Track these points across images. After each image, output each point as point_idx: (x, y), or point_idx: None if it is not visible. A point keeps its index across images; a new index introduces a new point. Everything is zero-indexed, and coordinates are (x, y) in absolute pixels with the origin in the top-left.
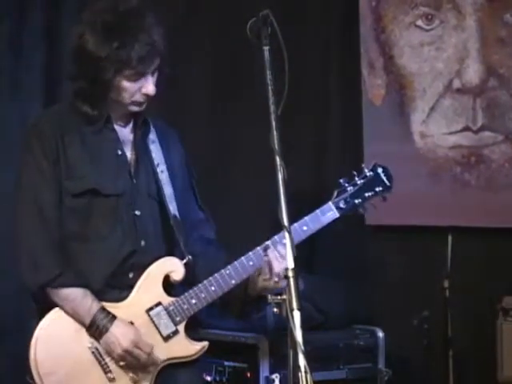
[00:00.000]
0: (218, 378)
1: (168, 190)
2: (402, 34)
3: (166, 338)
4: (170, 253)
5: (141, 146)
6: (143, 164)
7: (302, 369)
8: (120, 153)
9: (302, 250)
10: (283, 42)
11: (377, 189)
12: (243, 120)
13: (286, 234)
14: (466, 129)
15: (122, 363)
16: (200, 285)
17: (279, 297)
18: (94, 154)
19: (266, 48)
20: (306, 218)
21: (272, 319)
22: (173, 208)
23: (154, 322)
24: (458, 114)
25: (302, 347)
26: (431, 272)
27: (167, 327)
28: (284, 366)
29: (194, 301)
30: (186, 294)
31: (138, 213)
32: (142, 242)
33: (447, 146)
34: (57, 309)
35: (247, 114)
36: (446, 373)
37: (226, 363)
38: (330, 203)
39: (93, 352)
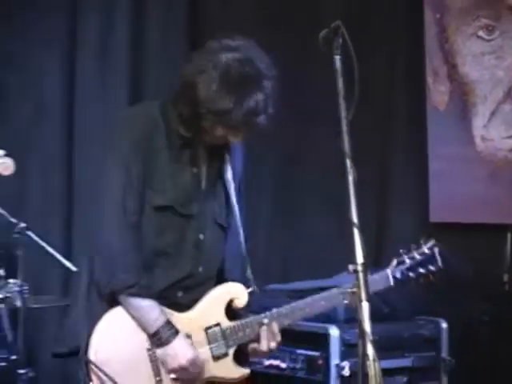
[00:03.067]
0: (291, 366)
1: (239, 217)
2: (465, 44)
3: (216, 358)
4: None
5: (214, 167)
6: (216, 184)
7: (371, 357)
8: (196, 171)
9: (370, 247)
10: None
11: (430, 268)
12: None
13: (355, 231)
14: None
15: (172, 375)
16: (254, 317)
17: (349, 290)
18: (174, 171)
19: (337, 57)
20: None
21: (342, 310)
22: (241, 235)
23: (209, 340)
24: None
25: (371, 337)
26: (491, 267)
27: (219, 348)
28: (353, 355)
29: (248, 330)
30: (244, 321)
31: (201, 237)
32: (200, 268)
33: (507, 149)
34: (120, 307)
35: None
36: (507, 363)
37: (299, 351)
38: (388, 270)
39: (149, 354)
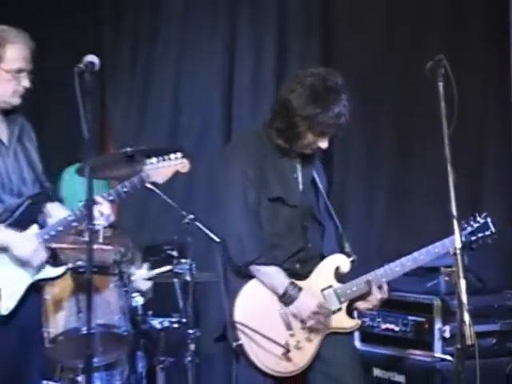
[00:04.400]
0: (403, 329)
1: (328, 207)
2: None
3: (334, 313)
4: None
5: (307, 174)
6: (309, 187)
7: (467, 322)
8: (295, 176)
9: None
10: (454, 80)
11: (486, 232)
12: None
13: (455, 221)
14: None
15: (302, 325)
16: (360, 277)
17: (449, 269)
18: (280, 174)
19: (440, 84)
20: (437, 243)
21: (444, 285)
22: (336, 222)
23: (325, 298)
24: None
25: (467, 306)
26: None
27: (334, 304)
28: (453, 320)
29: (355, 288)
30: (351, 282)
31: (305, 223)
32: (310, 245)
33: None
34: (254, 279)
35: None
36: None
37: (410, 318)
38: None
39: (281, 314)
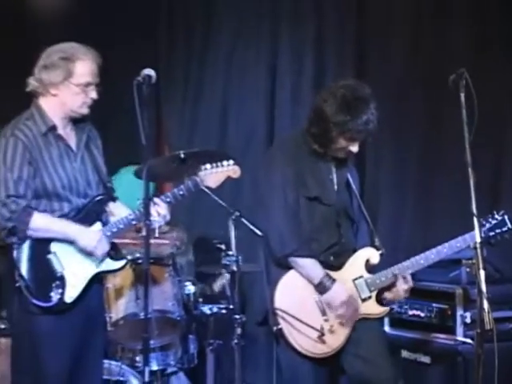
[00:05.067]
0: (428, 315)
1: (360, 206)
2: None
3: (363, 300)
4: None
5: (341, 176)
6: (343, 188)
7: (486, 309)
8: (331, 178)
9: None
10: (474, 92)
11: (503, 229)
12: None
13: (475, 219)
14: None
15: (336, 312)
16: (388, 269)
17: (470, 261)
18: (316, 176)
19: (462, 94)
20: (459, 238)
21: (465, 275)
22: (368, 220)
23: (356, 287)
24: None
25: (486, 295)
26: None
27: (364, 293)
28: (473, 307)
29: (383, 278)
30: (380, 273)
31: (339, 221)
32: (343, 240)
33: None
34: (293, 270)
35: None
36: None
37: (434, 305)
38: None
39: (316, 301)
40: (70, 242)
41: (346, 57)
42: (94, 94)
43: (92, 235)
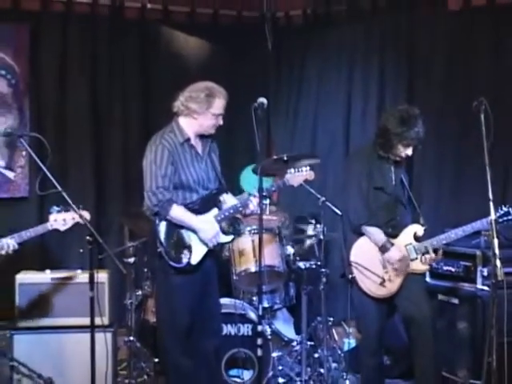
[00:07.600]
0: (456, 270)
1: (410, 196)
2: None
3: (412, 260)
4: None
5: (398, 174)
6: (399, 183)
7: (498, 266)
8: (391, 175)
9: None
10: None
11: (509, 217)
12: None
13: (491, 203)
14: None
15: (393, 266)
16: (429, 239)
17: (487, 232)
18: (381, 173)
19: (482, 115)
20: (479, 221)
21: (483, 242)
22: (414, 205)
23: (407, 250)
24: None
25: (498, 256)
26: None
27: (413, 254)
28: (489, 265)
29: (426, 245)
30: (423, 242)
31: (396, 204)
32: (398, 217)
33: None
34: (364, 236)
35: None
36: None
37: (461, 262)
38: (489, 218)
39: (379, 258)
40: None
41: (401, 87)
42: (221, 121)
43: (210, 232)
